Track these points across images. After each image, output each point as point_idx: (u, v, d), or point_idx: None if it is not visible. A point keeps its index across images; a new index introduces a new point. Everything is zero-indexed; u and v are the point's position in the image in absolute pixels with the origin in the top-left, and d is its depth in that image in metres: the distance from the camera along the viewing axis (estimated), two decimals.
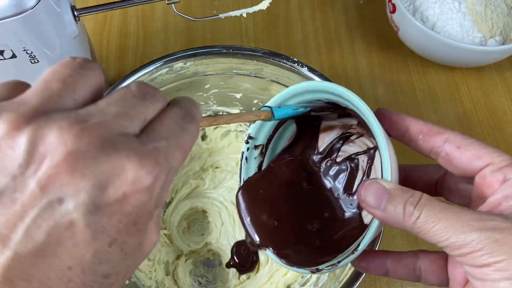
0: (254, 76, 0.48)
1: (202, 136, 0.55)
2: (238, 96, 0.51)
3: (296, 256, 0.32)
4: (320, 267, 0.30)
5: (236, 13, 0.44)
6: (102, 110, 0.18)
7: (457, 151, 0.27)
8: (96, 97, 0.20)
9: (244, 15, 0.44)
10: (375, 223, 0.27)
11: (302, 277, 0.48)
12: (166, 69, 0.46)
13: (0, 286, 0.16)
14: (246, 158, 0.35)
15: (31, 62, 0.39)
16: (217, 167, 0.55)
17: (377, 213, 0.26)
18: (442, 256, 0.29)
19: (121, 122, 0.18)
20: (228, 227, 0.52)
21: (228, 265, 0.49)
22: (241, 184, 0.35)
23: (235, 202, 0.52)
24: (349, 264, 0.39)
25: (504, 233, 0.23)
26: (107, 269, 0.18)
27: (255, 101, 0.51)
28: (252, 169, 0.35)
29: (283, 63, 0.46)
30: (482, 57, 0.56)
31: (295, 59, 0.46)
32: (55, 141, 0.17)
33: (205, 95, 0.51)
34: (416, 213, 0.24)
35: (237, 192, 0.34)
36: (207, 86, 0.50)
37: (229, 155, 0.55)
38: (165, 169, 0.19)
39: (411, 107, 0.59)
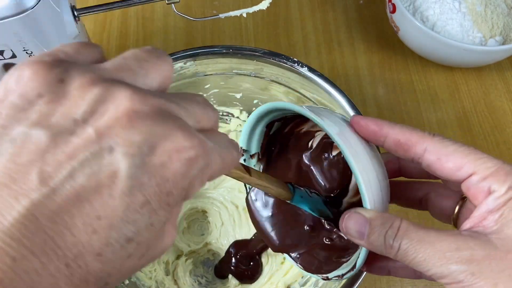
0: (254, 76, 0.48)
1: None
2: (238, 96, 0.51)
3: (311, 260, 0.33)
4: (330, 275, 0.31)
5: (236, 13, 0.44)
6: (165, 95, 0.20)
7: (437, 163, 0.26)
8: (162, 87, 0.21)
9: (244, 15, 0.44)
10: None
11: (302, 277, 0.47)
12: None
13: (22, 220, 0.16)
14: None
15: None
16: None
17: (362, 243, 0.26)
18: None
19: (179, 110, 0.20)
20: (228, 227, 0.52)
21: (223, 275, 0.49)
22: (248, 192, 0.35)
23: (235, 202, 0.53)
24: None
25: (480, 264, 0.23)
26: (132, 232, 0.18)
27: (255, 101, 0.51)
28: None
29: (283, 63, 0.46)
30: (482, 57, 0.56)
31: (295, 59, 0.46)
32: (123, 98, 0.18)
33: (205, 95, 0.51)
34: (395, 246, 0.24)
35: (247, 199, 0.35)
36: (207, 86, 0.50)
37: None
38: (205, 157, 0.19)
39: (411, 107, 0.59)
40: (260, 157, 0.35)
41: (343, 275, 0.30)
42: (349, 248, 0.32)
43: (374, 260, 0.30)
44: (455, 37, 0.56)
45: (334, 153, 0.35)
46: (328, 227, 0.33)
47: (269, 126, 0.34)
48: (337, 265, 0.31)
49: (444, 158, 0.25)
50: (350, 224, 0.26)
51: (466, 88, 0.61)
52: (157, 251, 0.20)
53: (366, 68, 0.62)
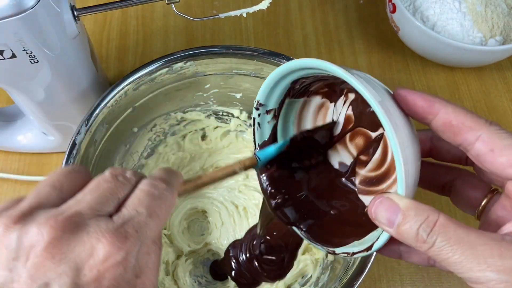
0: (254, 76, 0.48)
1: (202, 136, 0.55)
2: (238, 96, 0.51)
3: (319, 232, 0.32)
4: (337, 250, 0.29)
5: (236, 13, 0.44)
6: (78, 201, 0.22)
7: (489, 154, 0.23)
8: (79, 191, 0.23)
9: (244, 15, 0.44)
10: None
11: (302, 277, 0.48)
12: (166, 69, 0.46)
13: None
14: (259, 124, 0.33)
15: (31, 62, 0.39)
16: (217, 167, 0.55)
17: (389, 231, 0.24)
18: None
19: (94, 207, 0.22)
20: (228, 227, 0.52)
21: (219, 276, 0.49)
22: (256, 149, 0.34)
23: (235, 202, 0.53)
24: (350, 264, 0.39)
25: None
26: None
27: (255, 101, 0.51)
28: (266, 133, 0.34)
29: (283, 63, 0.46)
30: (482, 57, 0.56)
31: (295, 59, 0.45)
32: (36, 235, 0.20)
33: (205, 95, 0.51)
34: (429, 241, 0.23)
35: (257, 171, 0.34)
36: (207, 86, 0.50)
37: (229, 155, 0.55)
38: (137, 241, 0.21)
39: None
40: (276, 113, 0.33)
41: (353, 253, 0.28)
42: (362, 225, 0.29)
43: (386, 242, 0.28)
44: (455, 37, 0.56)
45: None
46: (336, 198, 0.32)
47: (294, 82, 0.31)
48: (346, 241, 0.29)
49: (498, 151, 0.23)
50: (381, 211, 0.24)
51: (466, 88, 0.61)
52: None
53: (366, 68, 0.62)
